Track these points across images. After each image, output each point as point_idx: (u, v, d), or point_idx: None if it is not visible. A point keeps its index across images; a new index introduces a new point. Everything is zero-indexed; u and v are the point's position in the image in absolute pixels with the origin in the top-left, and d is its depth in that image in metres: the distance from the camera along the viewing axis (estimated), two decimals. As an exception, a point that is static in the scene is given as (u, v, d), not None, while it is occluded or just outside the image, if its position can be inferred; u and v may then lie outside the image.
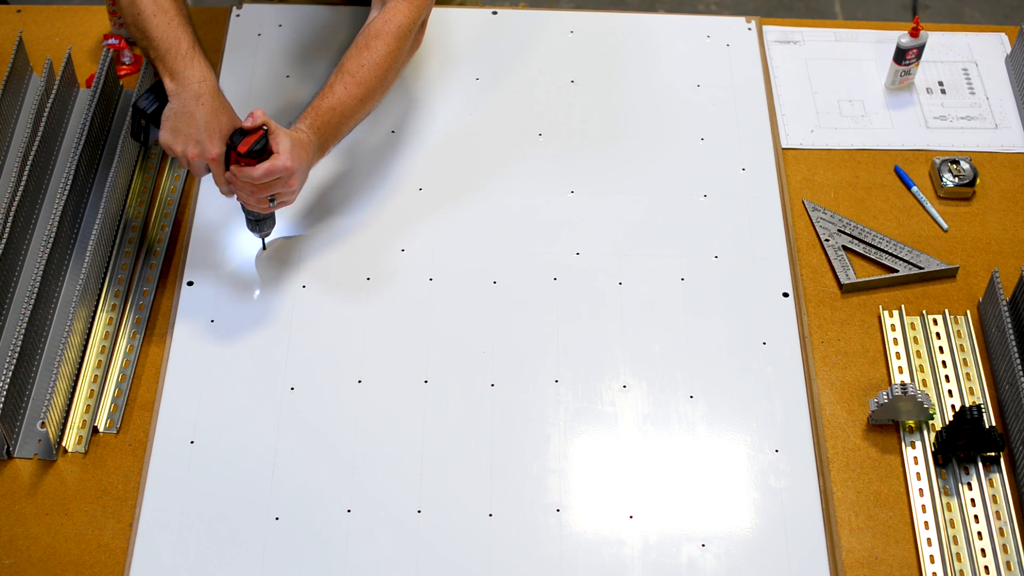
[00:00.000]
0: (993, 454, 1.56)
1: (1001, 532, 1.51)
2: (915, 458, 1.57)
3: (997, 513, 1.53)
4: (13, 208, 1.65)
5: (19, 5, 2.04)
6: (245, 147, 1.54)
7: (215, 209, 1.77)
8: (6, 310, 1.64)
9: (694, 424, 1.59)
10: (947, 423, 1.56)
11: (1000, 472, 1.55)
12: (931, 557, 1.49)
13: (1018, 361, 1.56)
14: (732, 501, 1.53)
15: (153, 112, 1.63)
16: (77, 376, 1.60)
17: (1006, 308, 1.62)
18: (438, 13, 1.98)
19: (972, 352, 1.66)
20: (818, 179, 1.85)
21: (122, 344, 1.64)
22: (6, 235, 1.63)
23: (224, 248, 1.73)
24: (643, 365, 1.64)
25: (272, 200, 1.59)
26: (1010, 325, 1.61)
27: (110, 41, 1.94)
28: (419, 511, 1.51)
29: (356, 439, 1.56)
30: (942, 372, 1.64)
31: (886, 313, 1.70)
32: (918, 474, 1.56)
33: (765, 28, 2.03)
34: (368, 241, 1.74)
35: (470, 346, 1.64)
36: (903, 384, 1.55)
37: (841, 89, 1.96)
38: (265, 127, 1.55)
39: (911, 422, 1.59)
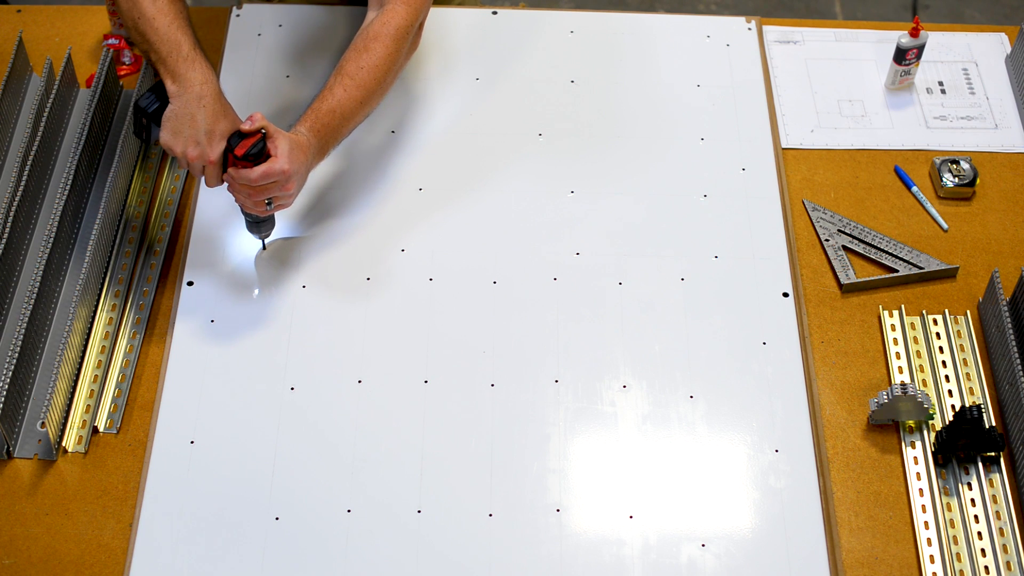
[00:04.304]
0: (993, 454, 1.56)
1: (1001, 532, 1.51)
2: (915, 458, 1.57)
3: (997, 513, 1.53)
4: (13, 208, 1.65)
5: (19, 5, 2.04)
6: (242, 150, 1.54)
7: (215, 209, 1.77)
8: (6, 310, 1.64)
9: (694, 424, 1.59)
10: (947, 423, 1.56)
11: (1000, 472, 1.55)
12: (931, 557, 1.49)
13: (1018, 361, 1.56)
14: (732, 501, 1.53)
15: (154, 111, 1.63)
16: (77, 376, 1.60)
17: (1006, 308, 1.62)
18: (438, 13, 1.98)
19: (972, 352, 1.66)
20: (818, 179, 1.85)
21: (122, 344, 1.64)
22: (6, 235, 1.63)
23: (224, 248, 1.73)
24: (643, 365, 1.64)
25: (269, 203, 1.59)
26: (1010, 325, 1.61)
27: (110, 41, 1.94)
28: (419, 511, 1.51)
29: (356, 439, 1.56)
30: (942, 372, 1.64)
31: (886, 313, 1.70)
32: (918, 474, 1.56)
33: (765, 28, 2.03)
34: (368, 241, 1.74)
35: (470, 346, 1.64)
36: (903, 384, 1.55)
37: (841, 89, 1.96)
38: (263, 130, 1.55)
39: (911, 422, 1.59)
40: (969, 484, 1.55)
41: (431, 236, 1.75)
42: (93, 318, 1.65)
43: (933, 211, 1.81)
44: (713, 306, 1.69)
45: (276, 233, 1.72)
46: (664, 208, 1.79)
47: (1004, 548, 1.50)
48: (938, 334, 1.68)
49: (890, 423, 1.60)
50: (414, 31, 1.71)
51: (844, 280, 1.72)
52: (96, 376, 1.61)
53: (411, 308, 1.68)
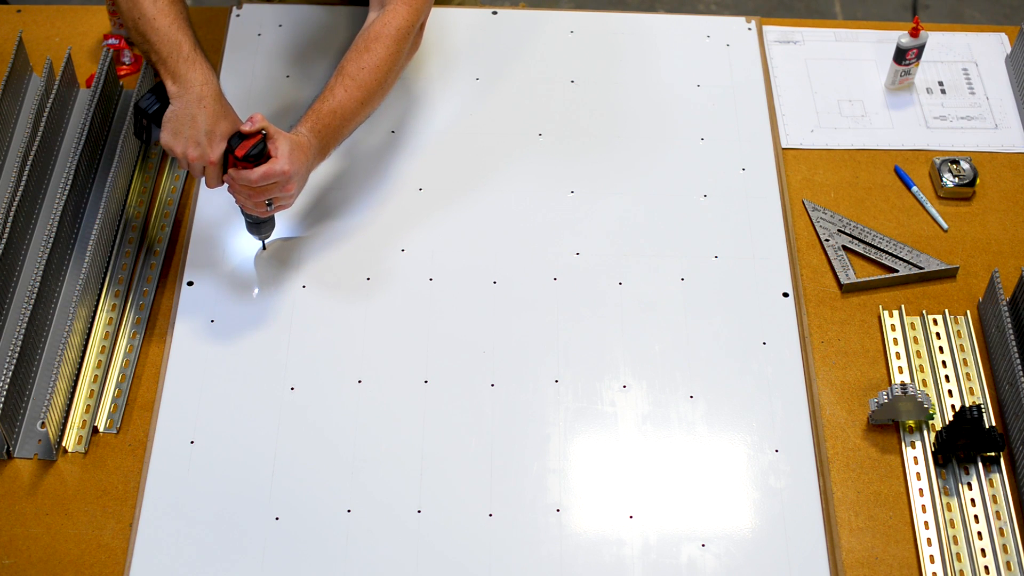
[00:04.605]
0: (993, 454, 1.56)
1: (1001, 532, 1.51)
2: (915, 458, 1.57)
3: (997, 513, 1.53)
4: (13, 208, 1.65)
5: (19, 5, 2.04)
6: (243, 151, 1.54)
7: (215, 209, 1.77)
8: (6, 310, 1.64)
9: (694, 424, 1.59)
10: (947, 423, 1.56)
11: (1000, 472, 1.55)
12: (931, 557, 1.49)
13: (1018, 361, 1.56)
14: (732, 501, 1.53)
15: (155, 112, 1.63)
16: (77, 376, 1.60)
17: (1006, 308, 1.62)
18: (438, 13, 1.98)
19: (972, 352, 1.66)
20: (818, 179, 1.85)
21: (122, 344, 1.64)
22: (6, 235, 1.63)
23: (224, 248, 1.74)
24: (643, 365, 1.64)
25: (270, 204, 1.59)
26: (1010, 325, 1.61)
27: (110, 41, 1.94)
28: (419, 511, 1.51)
29: (356, 439, 1.56)
30: (942, 372, 1.64)
31: (886, 313, 1.70)
32: (918, 474, 1.56)
33: (765, 28, 2.03)
34: (368, 241, 1.74)
35: (470, 346, 1.64)
36: (903, 384, 1.55)
37: (841, 89, 1.96)
38: (264, 131, 1.55)
39: (911, 422, 1.59)
40: (969, 484, 1.55)
41: (431, 236, 1.75)
42: (93, 318, 1.65)
43: (933, 211, 1.81)
44: (713, 306, 1.69)
45: (276, 233, 1.72)
46: (664, 208, 1.79)
47: (1004, 548, 1.50)
48: (938, 334, 1.68)
49: (890, 423, 1.60)
50: (415, 31, 1.71)
51: (844, 280, 1.72)
52: (96, 376, 1.61)
53: (411, 308, 1.68)
